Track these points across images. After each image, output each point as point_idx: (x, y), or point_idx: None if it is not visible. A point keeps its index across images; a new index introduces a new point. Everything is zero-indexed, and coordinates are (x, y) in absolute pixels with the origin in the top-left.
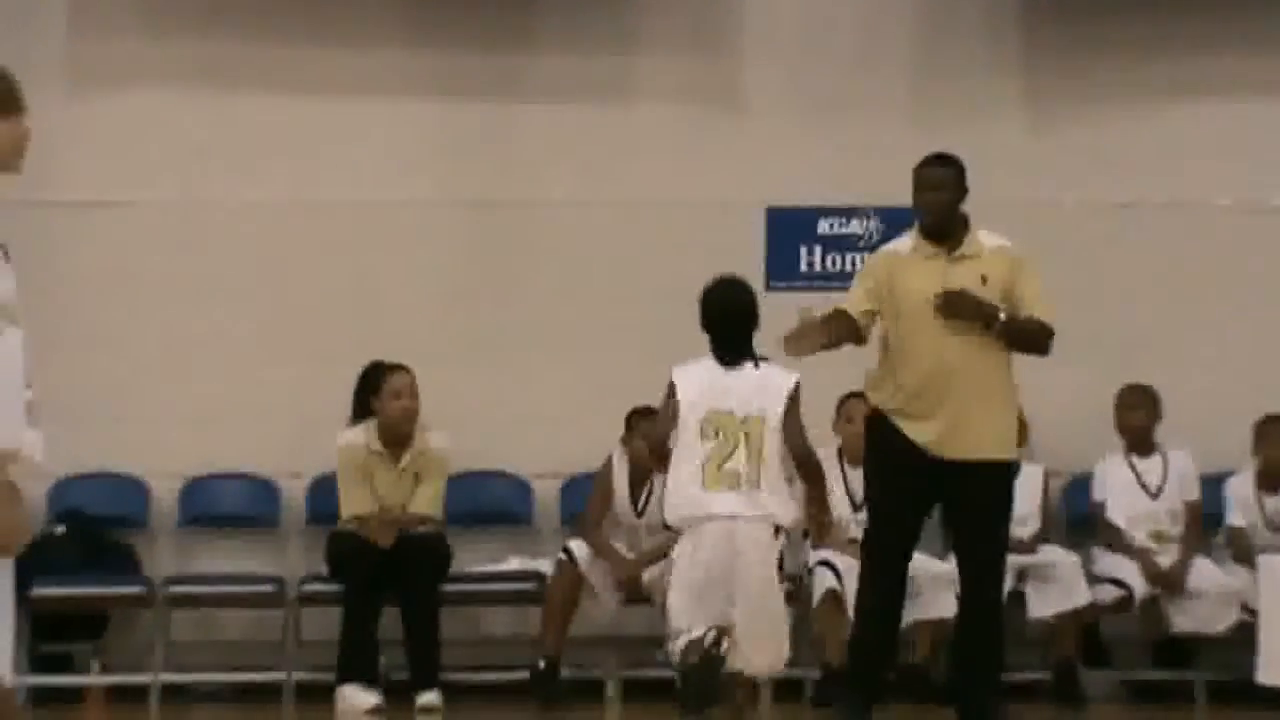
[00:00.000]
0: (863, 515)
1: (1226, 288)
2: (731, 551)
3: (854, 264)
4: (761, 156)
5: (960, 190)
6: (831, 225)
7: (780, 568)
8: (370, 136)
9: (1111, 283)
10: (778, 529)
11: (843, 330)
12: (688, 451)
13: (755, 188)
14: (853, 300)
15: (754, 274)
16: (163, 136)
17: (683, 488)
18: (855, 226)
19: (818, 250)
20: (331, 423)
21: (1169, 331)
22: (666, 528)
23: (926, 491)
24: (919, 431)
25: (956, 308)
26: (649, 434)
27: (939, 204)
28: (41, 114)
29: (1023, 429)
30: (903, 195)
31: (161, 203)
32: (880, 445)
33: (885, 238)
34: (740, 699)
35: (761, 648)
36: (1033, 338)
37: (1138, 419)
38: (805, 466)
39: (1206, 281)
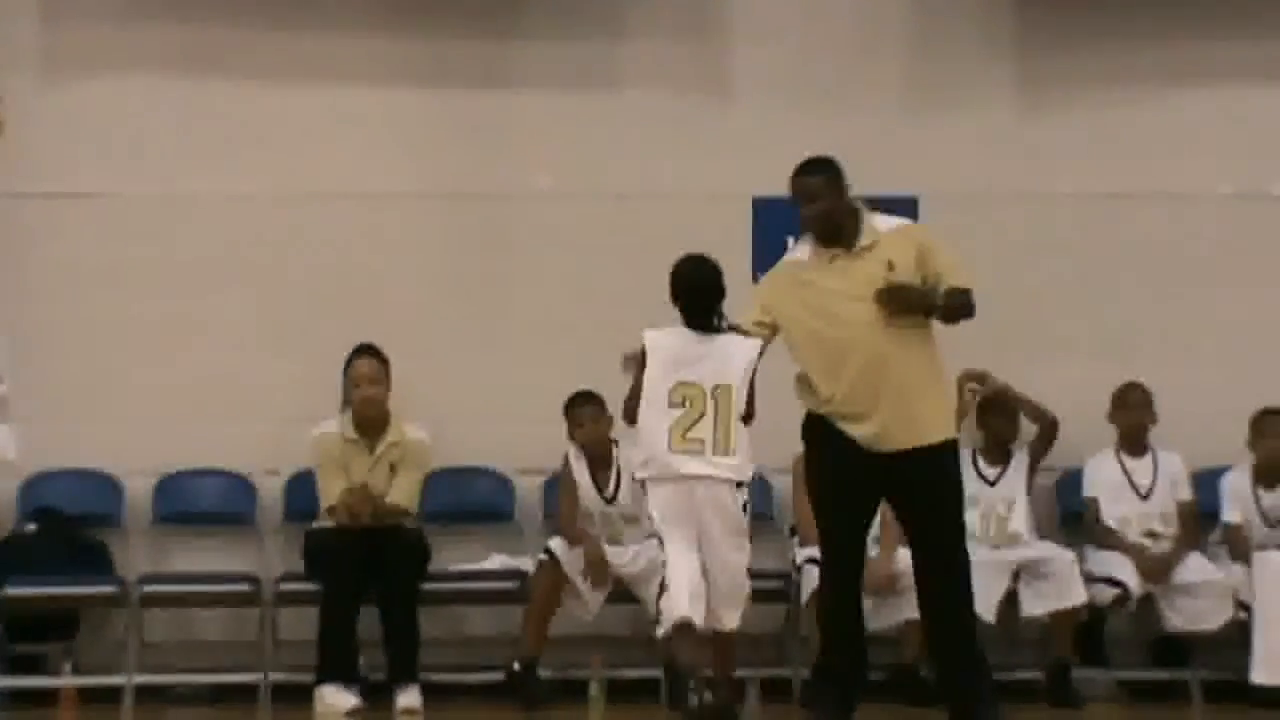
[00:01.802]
0: None
1: (1225, 279)
2: (690, 507)
3: None
4: (749, 145)
5: (837, 193)
6: None
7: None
8: (351, 126)
9: (1106, 274)
10: (739, 485)
11: None
12: (656, 416)
13: (742, 177)
14: (747, 314)
15: (741, 264)
16: (139, 126)
17: (650, 449)
18: None
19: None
20: (310, 418)
21: (1165, 324)
22: (641, 485)
23: (872, 485)
24: (857, 430)
25: (899, 300)
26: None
27: (818, 215)
28: (14, 102)
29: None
30: (894, 185)
31: (137, 194)
32: (819, 445)
33: None
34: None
35: (727, 602)
36: (962, 309)
37: (1138, 418)
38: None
39: (1204, 272)
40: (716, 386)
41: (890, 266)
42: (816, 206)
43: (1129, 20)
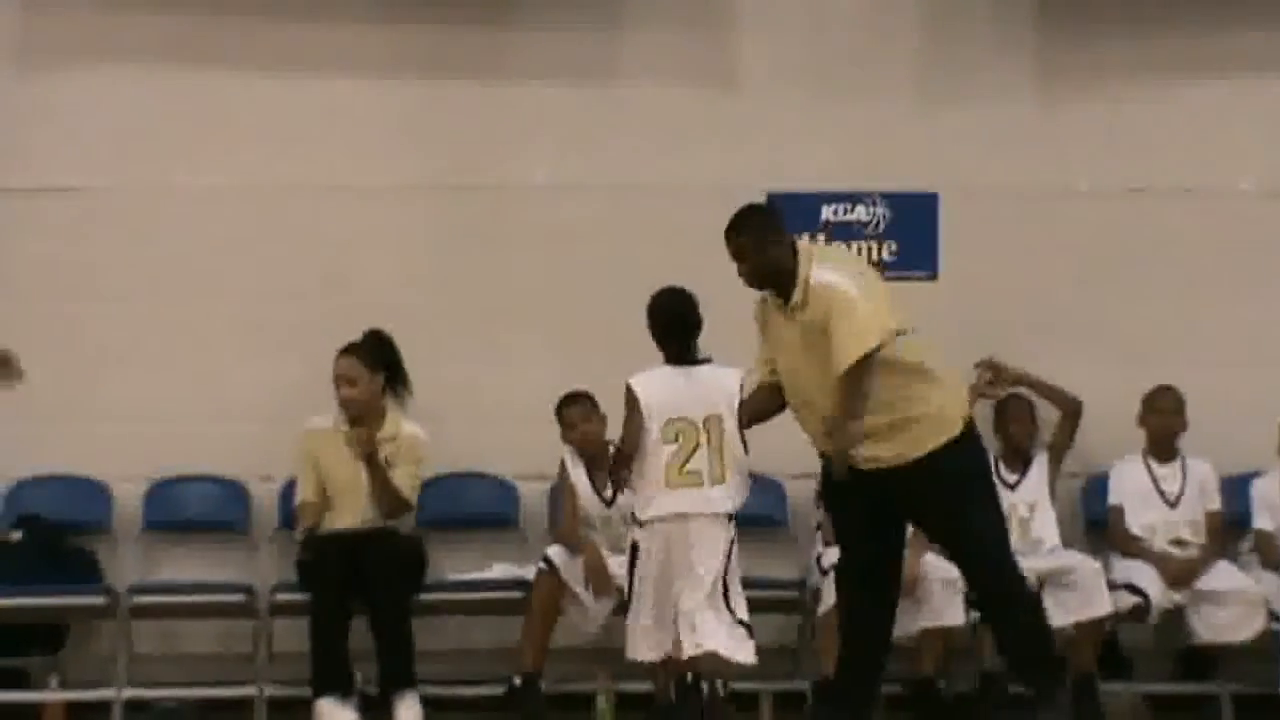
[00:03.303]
0: None
1: (1250, 277)
2: (685, 546)
3: (859, 253)
4: (760, 138)
5: (762, 249)
6: (836, 212)
7: (728, 555)
8: (342, 117)
9: (1130, 272)
10: (730, 518)
11: (768, 404)
12: (652, 455)
13: (754, 172)
14: (762, 370)
15: None
16: (122, 118)
17: (649, 488)
18: (861, 213)
19: (820, 239)
20: (305, 420)
21: (1189, 324)
22: (637, 523)
23: (878, 500)
24: (827, 450)
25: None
26: (586, 425)
27: (747, 276)
28: None
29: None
30: (910, 179)
31: (122, 188)
32: (822, 465)
33: (892, 224)
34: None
35: (713, 631)
36: (840, 428)
37: (1169, 423)
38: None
39: (1229, 271)
40: (707, 417)
41: (809, 329)
42: (743, 268)
43: (1151, 10)
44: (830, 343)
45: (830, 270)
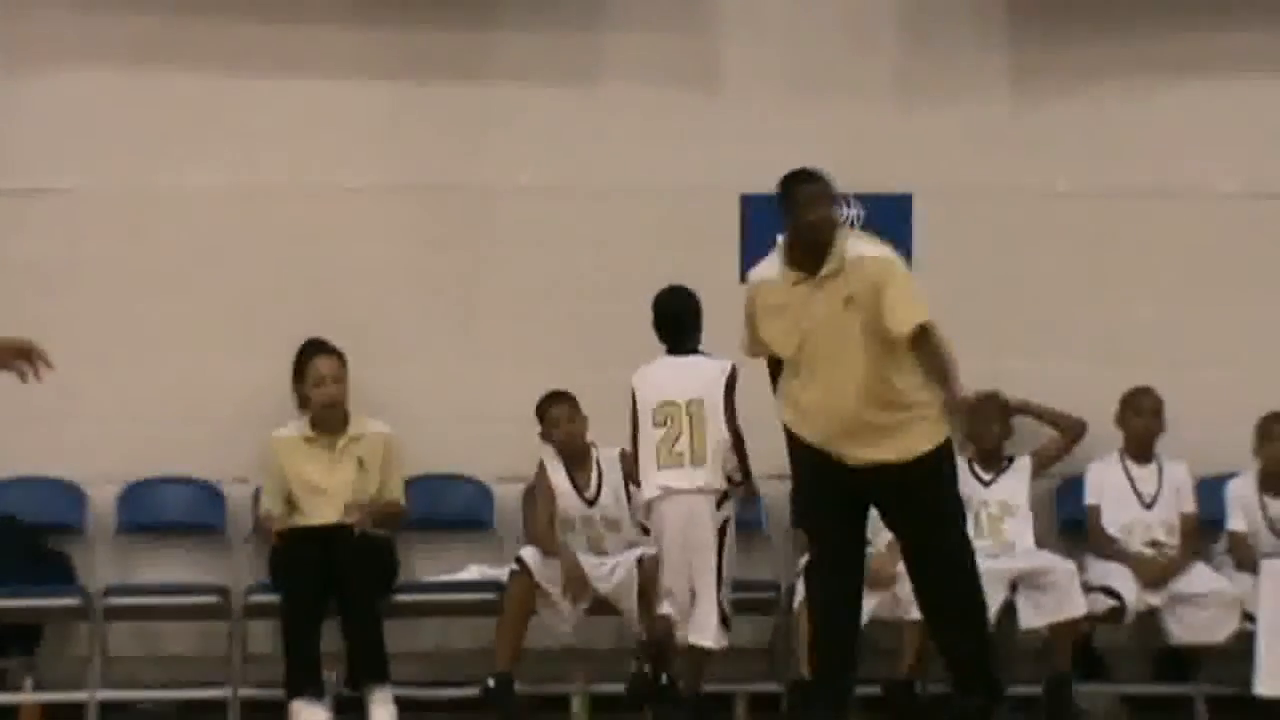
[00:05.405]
0: None
1: (1229, 279)
2: (676, 523)
3: None
4: (738, 140)
5: (835, 205)
6: None
7: (722, 533)
8: (322, 119)
9: (1106, 273)
10: (723, 497)
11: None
12: (646, 440)
13: (731, 173)
14: (755, 345)
15: (730, 263)
16: (99, 119)
17: (645, 472)
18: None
19: None
20: (282, 424)
21: (1167, 325)
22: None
23: (848, 490)
24: (824, 443)
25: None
26: (568, 425)
27: (817, 222)
28: None
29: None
30: (885, 180)
31: (98, 190)
32: (797, 453)
33: (865, 226)
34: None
35: (700, 616)
36: (937, 358)
37: (1148, 425)
38: (733, 438)
39: (1208, 272)
40: (690, 401)
41: (849, 302)
42: (818, 212)
43: (1127, 10)
44: (881, 305)
45: (867, 244)
